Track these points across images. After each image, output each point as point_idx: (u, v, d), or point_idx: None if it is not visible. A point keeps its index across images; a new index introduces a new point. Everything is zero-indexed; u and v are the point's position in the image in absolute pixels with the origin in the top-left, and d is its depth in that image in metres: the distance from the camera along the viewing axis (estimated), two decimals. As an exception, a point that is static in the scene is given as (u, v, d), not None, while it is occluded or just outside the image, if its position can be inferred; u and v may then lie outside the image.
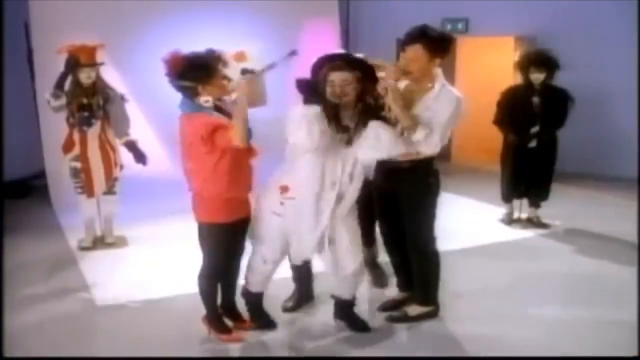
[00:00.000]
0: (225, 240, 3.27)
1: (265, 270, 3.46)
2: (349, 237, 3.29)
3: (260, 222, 3.36)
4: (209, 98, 3.10)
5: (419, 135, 3.21)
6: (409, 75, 3.30)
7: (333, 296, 3.57)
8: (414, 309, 3.64)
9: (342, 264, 3.32)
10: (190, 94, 3.13)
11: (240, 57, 3.39)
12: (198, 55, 3.16)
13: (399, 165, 3.36)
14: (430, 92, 3.30)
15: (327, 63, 3.17)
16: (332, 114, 3.12)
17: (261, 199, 3.38)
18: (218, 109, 3.18)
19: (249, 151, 3.19)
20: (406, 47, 3.30)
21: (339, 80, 3.11)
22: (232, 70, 3.32)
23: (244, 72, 3.22)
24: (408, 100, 3.28)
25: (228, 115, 3.15)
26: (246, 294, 3.58)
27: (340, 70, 3.13)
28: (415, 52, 3.25)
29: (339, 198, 3.20)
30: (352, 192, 3.23)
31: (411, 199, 3.46)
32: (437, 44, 3.26)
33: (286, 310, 3.78)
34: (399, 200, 3.50)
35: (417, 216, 3.49)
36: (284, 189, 3.25)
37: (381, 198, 3.63)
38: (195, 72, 3.09)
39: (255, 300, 3.58)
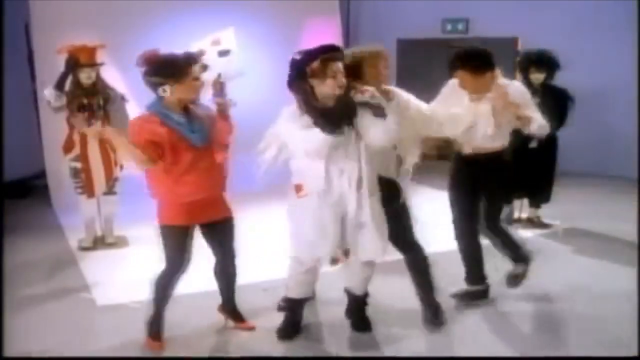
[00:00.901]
0: (176, 243, 3.23)
1: (299, 273, 3.36)
2: (374, 224, 3.21)
3: (290, 222, 3.30)
4: (167, 89, 3.05)
5: (540, 121, 3.62)
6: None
7: (346, 290, 3.58)
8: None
9: (362, 249, 3.24)
10: (158, 91, 3.13)
11: (216, 42, 3.58)
12: (172, 54, 3.18)
13: (487, 154, 3.68)
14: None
15: (324, 54, 3.11)
16: (322, 111, 3.10)
17: (289, 199, 3.30)
18: (186, 109, 3.14)
19: (207, 153, 3.14)
20: (479, 74, 3.58)
21: (340, 70, 3.10)
22: (211, 56, 3.53)
23: (222, 53, 3.34)
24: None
25: (197, 118, 3.14)
26: (285, 299, 3.56)
27: (340, 60, 3.13)
28: (491, 76, 3.60)
29: (350, 183, 3.15)
30: (369, 177, 3.19)
31: (497, 185, 3.80)
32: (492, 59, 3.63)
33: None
34: (480, 187, 3.75)
35: (497, 200, 3.84)
36: (299, 188, 3.21)
37: (465, 185, 3.78)
38: (166, 69, 3.09)
39: (291, 305, 3.52)
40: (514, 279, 3.95)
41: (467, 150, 3.75)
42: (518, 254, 3.96)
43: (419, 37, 8.34)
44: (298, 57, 3.14)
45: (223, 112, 3.30)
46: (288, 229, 3.31)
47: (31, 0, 6.20)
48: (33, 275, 4.45)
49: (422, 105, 3.55)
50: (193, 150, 3.08)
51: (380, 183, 3.30)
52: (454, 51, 3.70)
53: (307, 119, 3.09)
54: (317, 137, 3.05)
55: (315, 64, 3.08)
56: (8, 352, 3.24)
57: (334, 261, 3.44)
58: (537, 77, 5.17)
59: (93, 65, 4.71)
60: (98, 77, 4.76)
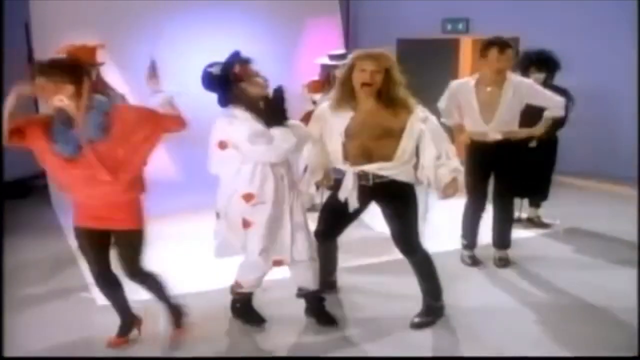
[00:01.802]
0: (83, 245, 3.22)
1: (257, 266, 3.40)
2: (305, 223, 3.43)
3: (235, 231, 3.33)
4: (64, 97, 2.87)
5: (556, 100, 4.42)
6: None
7: (299, 293, 3.64)
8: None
9: (298, 248, 3.39)
10: None
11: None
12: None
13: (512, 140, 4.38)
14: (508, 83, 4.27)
15: (236, 59, 3.21)
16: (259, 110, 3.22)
17: (228, 212, 3.33)
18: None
19: (85, 162, 2.93)
20: (504, 50, 4.20)
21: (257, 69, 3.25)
22: None
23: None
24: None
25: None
26: (237, 296, 3.61)
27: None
28: (510, 54, 4.26)
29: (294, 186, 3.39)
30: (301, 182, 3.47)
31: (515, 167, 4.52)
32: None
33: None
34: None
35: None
36: (249, 197, 3.23)
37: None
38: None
39: (245, 299, 3.62)
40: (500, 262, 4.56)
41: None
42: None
43: (419, 37, 8.33)
44: (213, 70, 3.20)
45: (167, 105, 3.22)
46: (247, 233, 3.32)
47: (31, 0, 6.19)
48: (33, 275, 4.45)
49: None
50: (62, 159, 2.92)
51: (399, 187, 3.39)
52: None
53: (255, 125, 3.15)
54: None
55: (237, 68, 3.17)
56: (8, 352, 3.24)
57: (277, 263, 3.44)
58: (537, 77, 5.16)
59: (93, 65, 4.70)
60: (98, 77, 4.75)
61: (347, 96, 3.36)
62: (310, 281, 3.54)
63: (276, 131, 3.16)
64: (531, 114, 5.22)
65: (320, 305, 3.67)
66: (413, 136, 3.34)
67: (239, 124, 3.16)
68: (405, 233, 3.47)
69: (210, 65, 3.23)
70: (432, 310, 3.62)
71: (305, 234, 3.42)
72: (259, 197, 3.23)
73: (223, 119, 3.22)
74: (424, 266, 3.55)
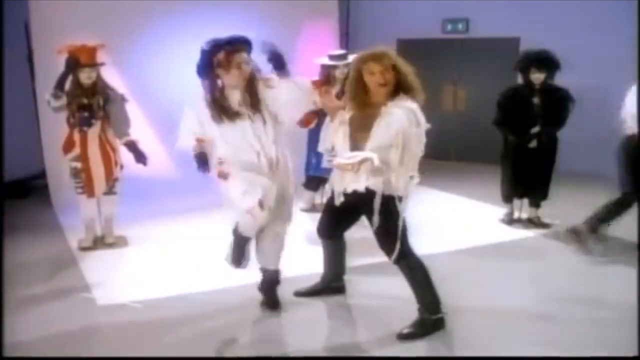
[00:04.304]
0: None
1: (242, 213, 3.47)
2: (276, 200, 3.49)
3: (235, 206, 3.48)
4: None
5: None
6: None
7: (261, 268, 3.75)
8: None
9: (267, 225, 3.52)
10: None
11: None
12: None
13: None
14: None
15: (229, 45, 3.28)
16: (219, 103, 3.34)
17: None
18: None
19: None
20: None
21: (244, 61, 3.32)
22: None
23: None
24: None
25: None
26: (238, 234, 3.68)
27: (245, 52, 3.33)
28: None
29: (270, 164, 3.43)
30: (282, 156, 3.49)
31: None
32: None
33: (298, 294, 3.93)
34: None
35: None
36: (222, 173, 3.40)
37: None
38: None
39: (240, 240, 3.67)
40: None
41: None
42: None
43: (419, 37, 8.34)
44: (206, 47, 3.29)
45: None
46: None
47: (31, 0, 6.19)
48: (33, 275, 4.45)
49: None
50: None
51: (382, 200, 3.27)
52: None
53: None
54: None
55: (221, 55, 3.24)
56: (8, 352, 3.23)
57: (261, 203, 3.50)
58: (537, 77, 5.17)
59: (93, 65, 4.70)
60: (98, 77, 4.75)
61: (361, 98, 3.30)
62: (270, 257, 3.70)
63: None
64: (531, 115, 5.25)
65: (272, 288, 3.79)
66: (383, 126, 3.18)
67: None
68: (387, 236, 3.33)
69: (210, 41, 3.32)
70: (425, 323, 3.46)
71: (286, 209, 3.57)
72: (227, 162, 3.38)
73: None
74: (413, 273, 3.43)
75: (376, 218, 3.26)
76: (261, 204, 3.41)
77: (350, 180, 3.29)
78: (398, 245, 3.29)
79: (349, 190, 3.34)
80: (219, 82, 3.35)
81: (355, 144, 3.25)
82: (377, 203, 3.24)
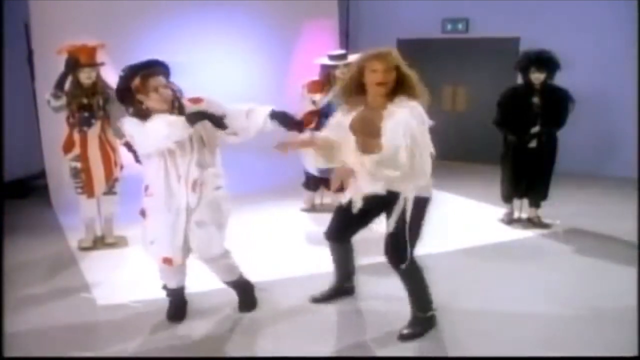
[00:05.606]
0: None
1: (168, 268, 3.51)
2: (214, 220, 3.42)
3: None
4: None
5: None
6: None
7: (226, 282, 3.71)
8: None
9: (211, 245, 3.45)
10: None
11: None
12: None
13: None
14: None
15: (143, 70, 3.25)
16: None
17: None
18: None
19: None
20: None
21: (161, 84, 3.26)
22: None
23: None
24: None
25: None
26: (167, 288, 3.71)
27: (161, 74, 3.30)
28: None
29: (196, 186, 3.34)
30: (211, 178, 3.40)
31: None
32: None
33: (315, 300, 3.87)
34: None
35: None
36: (146, 188, 3.39)
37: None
38: None
39: (172, 293, 3.69)
40: None
41: None
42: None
43: (419, 37, 8.34)
44: (122, 73, 3.28)
45: None
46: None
47: (31, 0, 6.19)
48: (33, 275, 4.45)
49: None
50: None
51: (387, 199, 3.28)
52: None
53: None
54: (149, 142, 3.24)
55: (137, 80, 3.22)
56: (8, 352, 3.23)
57: (166, 260, 3.49)
58: (537, 77, 5.17)
59: (93, 65, 4.70)
60: (98, 77, 4.75)
61: (355, 95, 3.32)
62: (226, 275, 3.65)
63: (157, 121, 3.19)
64: (531, 115, 5.25)
65: (248, 292, 3.77)
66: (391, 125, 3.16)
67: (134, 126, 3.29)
68: (394, 241, 3.33)
69: (126, 68, 3.30)
70: (420, 321, 3.49)
71: (209, 232, 3.41)
72: (151, 188, 3.37)
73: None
74: (414, 278, 3.45)
75: (393, 220, 3.27)
76: (168, 262, 3.46)
77: (367, 183, 3.26)
78: (409, 249, 3.30)
79: (367, 192, 3.30)
80: (144, 107, 3.28)
81: (365, 150, 3.24)
82: (400, 205, 3.24)
